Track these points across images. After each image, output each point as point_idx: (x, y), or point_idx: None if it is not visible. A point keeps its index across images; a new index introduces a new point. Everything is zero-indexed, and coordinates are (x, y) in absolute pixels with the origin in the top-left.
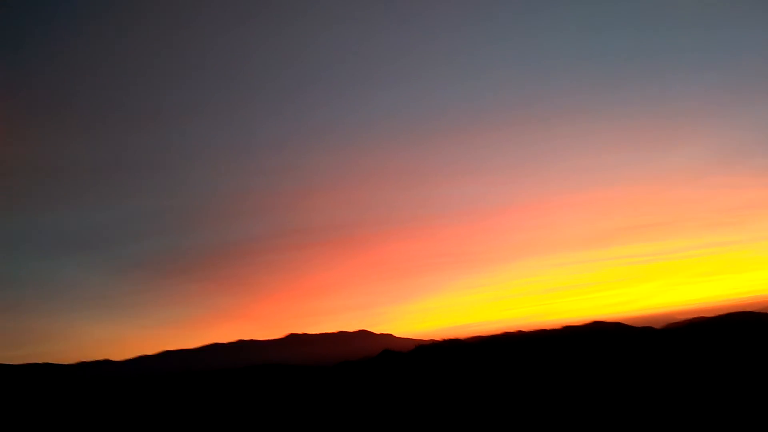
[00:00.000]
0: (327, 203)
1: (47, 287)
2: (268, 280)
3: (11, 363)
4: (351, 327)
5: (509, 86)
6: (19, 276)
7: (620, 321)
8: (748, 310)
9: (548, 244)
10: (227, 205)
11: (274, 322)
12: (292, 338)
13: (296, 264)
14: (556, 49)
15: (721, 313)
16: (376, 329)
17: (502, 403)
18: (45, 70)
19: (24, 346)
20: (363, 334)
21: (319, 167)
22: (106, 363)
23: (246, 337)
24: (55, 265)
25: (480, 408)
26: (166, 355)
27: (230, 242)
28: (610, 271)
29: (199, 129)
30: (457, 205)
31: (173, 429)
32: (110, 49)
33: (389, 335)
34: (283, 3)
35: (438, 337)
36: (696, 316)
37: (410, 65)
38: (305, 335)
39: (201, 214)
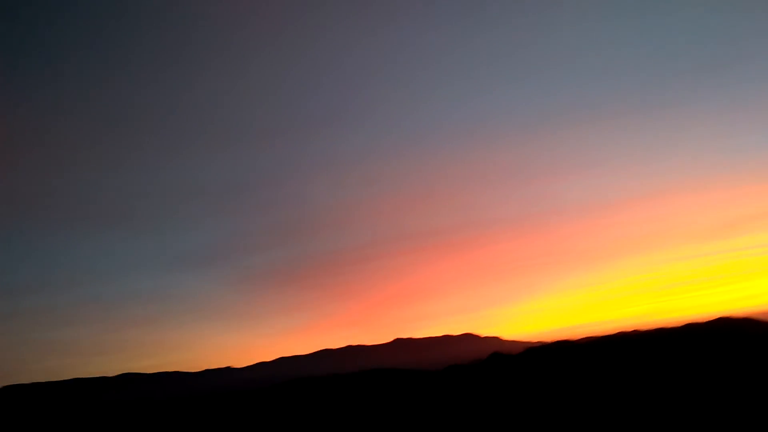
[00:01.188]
0: (432, 207)
1: (175, 301)
2: (375, 285)
3: (146, 372)
4: (456, 330)
5: (618, 76)
6: (150, 291)
7: (751, 316)
8: None
9: (667, 237)
10: (335, 215)
11: (381, 327)
12: (399, 343)
13: (402, 269)
14: (665, 35)
15: None
16: (482, 332)
17: (617, 407)
18: (167, 96)
19: (156, 356)
20: (468, 337)
21: (424, 171)
22: (228, 370)
23: (354, 343)
24: (181, 280)
25: (594, 412)
26: (282, 361)
27: (339, 250)
28: (739, 262)
29: (306, 143)
30: (567, 201)
31: None
32: (228, 71)
33: (496, 338)
34: (382, 7)
35: (548, 339)
36: None
37: (514, 62)
38: (411, 340)
39: (311, 224)
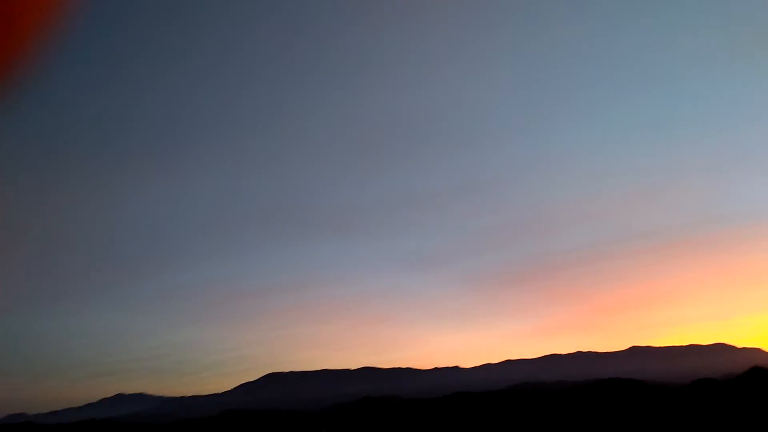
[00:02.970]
0: (676, 201)
1: (407, 300)
2: (610, 287)
3: (382, 366)
4: (706, 339)
5: None
6: (386, 291)
7: None
8: None
9: None
10: (566, 212)
11: (615, 333)
12: (635, 351)
13: (642, 270)
14: None
15: None
16: (739, 342)
17: None
18: (395, 101)
19: (390, 352)
20: (721, 347)
21: (666, 161)
22: (456, 369)
23: (584, 349)
24: (413, 280)
25: None
26: (508, 364)
27: (570, 249)
28: None
29: (534, 141)
30: None
31: None
32: (459, 71)
33: (757, 350)
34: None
35: None
36: None
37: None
38: (649, 348)
39: (540, 223)
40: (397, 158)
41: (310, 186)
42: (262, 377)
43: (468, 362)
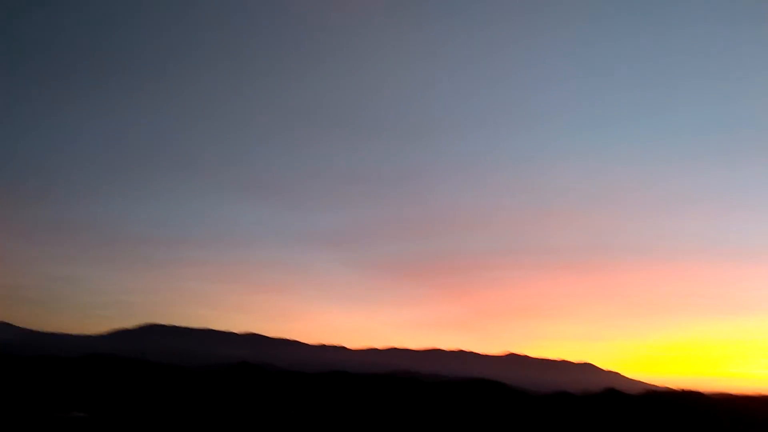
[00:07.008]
0: (567, 224)
1: (304, 273)
2: (496, 295)
3: (269, 335)
4: (575, 357)
5: None
6: (284, 261)
7: None
8: None
9: None
10: (466, 217)
11: (496, 337)
12: (511, 358)
13: (526, 283)
14: None
15: None
16: (603, 364)
17: None
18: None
19: (279, 322)
20: (587, 367)
21: (564, 187)
22: (341, 349)
23: (466, 348)
24: (313, 255)
25: None
26: (393, 352)
27: (463, 253)
28: None
29: (454, 143)
30: (713, 242)
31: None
32: (389, 67)
33: (616, 374)
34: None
35: (675, 386)
36: None
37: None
38: (525, 357)
39: (441, 223)
40: (324, 137)
41: (242, 149)
42: (140, 326)
43: (355, 343)
